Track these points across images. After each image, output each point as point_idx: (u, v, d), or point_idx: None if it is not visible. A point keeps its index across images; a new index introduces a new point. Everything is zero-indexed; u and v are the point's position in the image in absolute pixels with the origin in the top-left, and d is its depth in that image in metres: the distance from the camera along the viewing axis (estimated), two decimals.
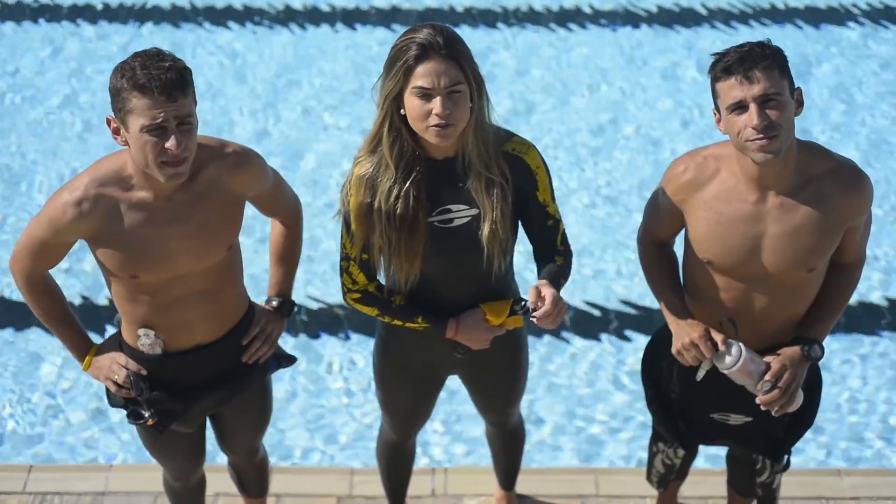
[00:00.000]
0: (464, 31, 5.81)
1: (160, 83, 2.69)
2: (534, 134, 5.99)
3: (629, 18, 6.97)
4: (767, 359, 3.00)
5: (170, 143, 2.73)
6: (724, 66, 2.76)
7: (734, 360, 2.98)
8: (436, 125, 2.77)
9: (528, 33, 6.86)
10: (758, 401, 2.99)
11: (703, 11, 7.00)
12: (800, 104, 2.83)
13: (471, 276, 3.04)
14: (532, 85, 6.45)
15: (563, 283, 3.01)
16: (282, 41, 6.81)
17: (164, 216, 2.89)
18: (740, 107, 2.75)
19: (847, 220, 2.90)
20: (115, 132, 2.80)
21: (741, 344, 2.99)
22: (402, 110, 2.82)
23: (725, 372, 2.99)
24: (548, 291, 2.80)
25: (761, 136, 2.73)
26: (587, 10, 7.02)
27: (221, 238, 2.99)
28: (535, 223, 3.02)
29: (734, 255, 2.94)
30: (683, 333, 3.02)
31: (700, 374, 3.09)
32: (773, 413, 3.01)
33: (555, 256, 3.04)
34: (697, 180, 2.94)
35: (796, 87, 2.83)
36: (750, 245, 2.92)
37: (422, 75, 2.76)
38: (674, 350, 3.04)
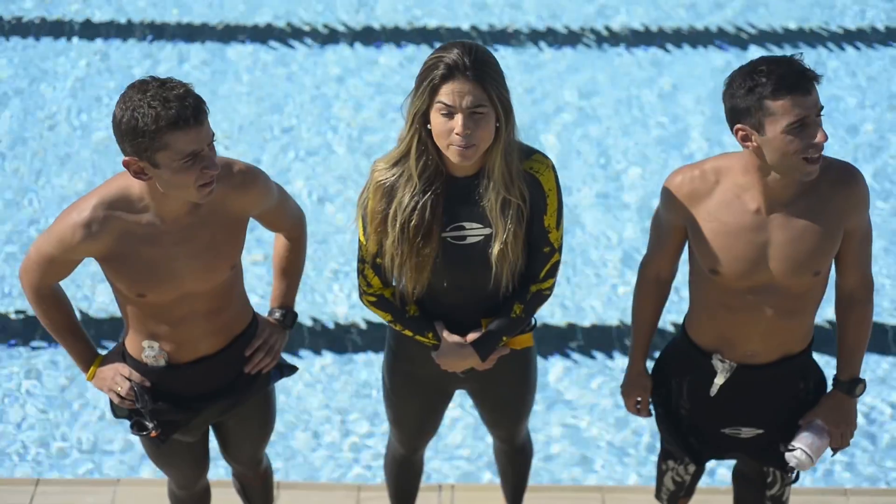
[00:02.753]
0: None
1: (189, 112, 2.70)
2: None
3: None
4: (819, 418, 3.15)
5: (210, 170, 2.77)
6: (781, 83, 2.74)
7: (809, 460, 3.13)
8: (458, 145, 2.82)
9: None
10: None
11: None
12: None
13: (479, 294, 3.06)
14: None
15: (512, 332, 3.11)
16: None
17: (172, 238, 2.91)
18: (803, 125, 2.76)
19: (844, 216, 2.93)
20: (140, 172, 2.78)
21: (799, 447, 3.13)
22: (428, 125, 2.86)
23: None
24: (454, 338, 3.08)
25: (819, 152, 2.78)
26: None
27: (226, 258, 3.02)
28: (532, 246, 3.03)
29: (741, 265, 2.96)
30: (628, 389, 3.37)
31: (713, 391, 3.16)
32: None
33: (517, 302, 3.06)
34: (698, 192, 2.97)
35: None
36: (756, 254, 2.94)
37: (446, 94, 2.80)
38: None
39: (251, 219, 3.09)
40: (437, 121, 2.83)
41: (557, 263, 3.06)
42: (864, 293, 3.10)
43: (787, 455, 3.16)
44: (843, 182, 2.91)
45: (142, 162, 2.75)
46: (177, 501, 3.63)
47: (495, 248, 2.95)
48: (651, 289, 3.25)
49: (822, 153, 2.81)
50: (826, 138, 2.77)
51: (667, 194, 3.02)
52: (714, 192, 2.95)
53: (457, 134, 2.80)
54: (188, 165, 2.74)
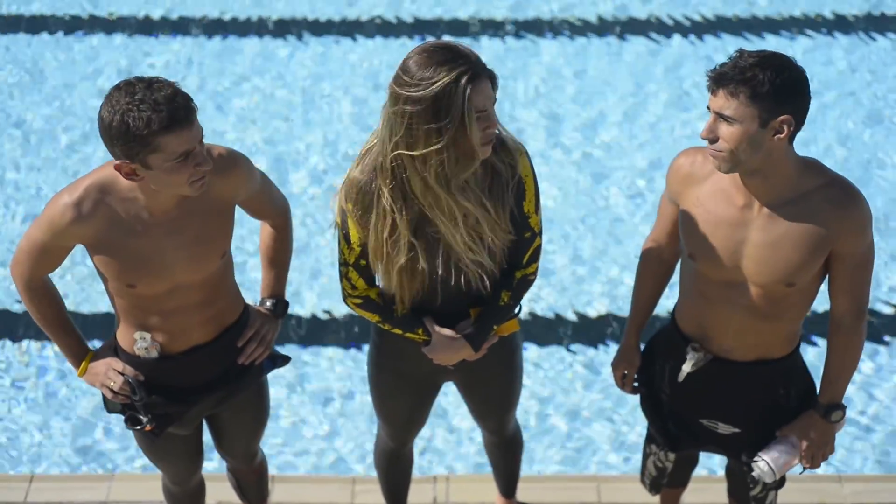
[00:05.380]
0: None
1: (182, 114, 2.68)
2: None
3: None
4: (794, 434, 3.14)
5: (203, 166, 2.76)
6: (709, 72, 2.77)
7: (771, 473, 3.12)
8: None
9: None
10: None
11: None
12: (777, 131, 2.75)
13: (460, 286, 3.04)
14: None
15: (501, 320, 3.11)
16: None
17: (161, 231, 2.90)
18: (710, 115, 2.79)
19: (832, 238, 2.87)
20: (131, 174, 2.77)
21: (763, 458, 3.13)
22: None
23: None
24: (446, 332, 3.05)
25: (708, 143, 2.79)
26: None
27: (215, 248, 3.01)
28: (513, 233, 3.00)
29: (715, 257, 2.96)
30: (617, 361, 3.38)
31: (681, 377, 3.19)
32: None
33: (504, 289, 3.06)
34: (695, 176, 2.98)
35: (784, 115, 2.74)
36: (732, 249, 2.94)
37: None
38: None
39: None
40: None
41: (539, 247, 3.06)
42: (852, 320, 3.02)
43: (753, 464, 3.15)
44: (840, 203, 2.85)
45: (133, 164, 2.74)
46: (171, 497, 3.62)
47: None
48: (651, 266, 3.27)
49: (717, 151, 2.77)
50: (705, 135, 2.77)
51: (669, 172, 3.05)
52: (708, 179, 2.96)
53: None
54: (180, 165, 2.73)
